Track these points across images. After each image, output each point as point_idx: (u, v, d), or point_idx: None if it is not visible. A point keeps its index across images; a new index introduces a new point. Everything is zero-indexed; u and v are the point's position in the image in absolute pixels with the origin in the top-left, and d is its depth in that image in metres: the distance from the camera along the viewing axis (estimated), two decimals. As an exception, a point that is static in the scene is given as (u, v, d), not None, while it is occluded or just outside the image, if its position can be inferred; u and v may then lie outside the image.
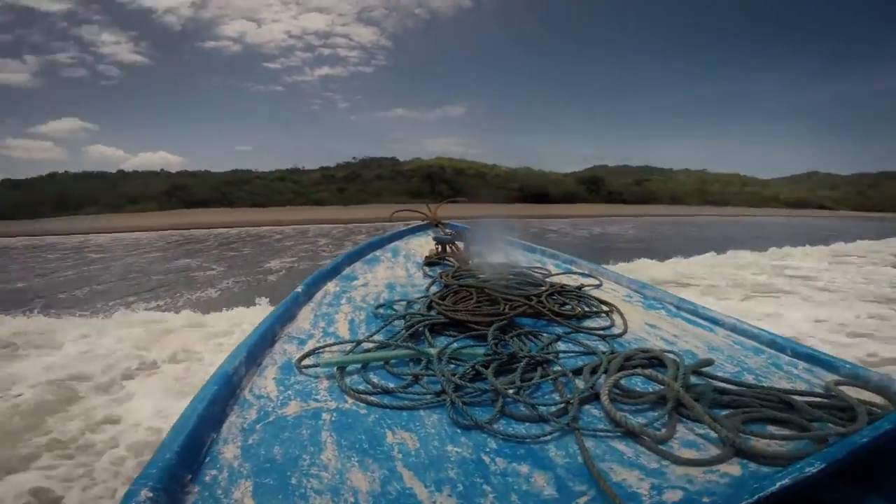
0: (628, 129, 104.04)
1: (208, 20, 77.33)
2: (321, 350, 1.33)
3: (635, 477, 0.81)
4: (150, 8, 76.14)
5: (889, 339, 4.47)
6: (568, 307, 1.72)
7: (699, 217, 39.60)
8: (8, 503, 2.15)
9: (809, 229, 24.54)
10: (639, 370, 1.12)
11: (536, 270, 2.32)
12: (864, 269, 9.33)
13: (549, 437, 0.93)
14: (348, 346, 1.35)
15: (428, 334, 1.44)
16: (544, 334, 1.46)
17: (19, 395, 3.05)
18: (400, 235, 3.26)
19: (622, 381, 1.10)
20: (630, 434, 0.92)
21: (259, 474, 0.81)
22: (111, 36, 73.75)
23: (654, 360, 1.22)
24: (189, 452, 0.82)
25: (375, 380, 1.16)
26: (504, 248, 3.13)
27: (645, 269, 8.63)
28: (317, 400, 1.07)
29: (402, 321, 1.53)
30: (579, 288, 1.98)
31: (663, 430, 0.93)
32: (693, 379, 1.13)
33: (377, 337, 1.42)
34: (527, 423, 0.99)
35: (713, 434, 0.91)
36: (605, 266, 2.42)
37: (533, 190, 53.75)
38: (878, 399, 1.07)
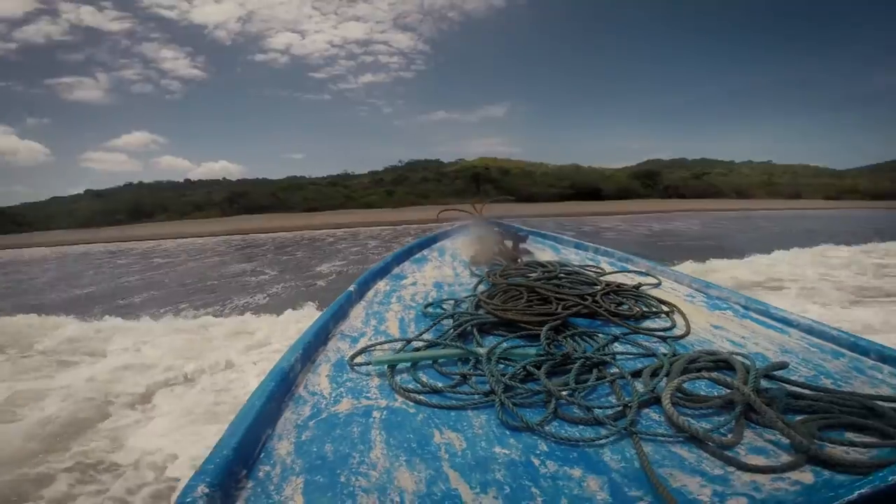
0: (682, 121, 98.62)
1: (255, 34, 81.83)
2: (372, 348, 1.34)
3: (696, 483, 0.77)
4: (201, 24, 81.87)
5: None
6: (625, 307, 1.66)
7: (769, 211, 36.52)
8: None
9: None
10: (704, 373, 1.07)
11: (589, 269, 2.24)
12: None
13: (604, 441, 0.90)
14: (398, 345, 1.36)
15: (476, 334, 1.43)
16: (600, 335, 1.42)
17: (47, 411, 2.97)
18: (446, 235, 3.26)
19: (685, 385, 1.05)
20: (693, 439, 0.88)
21: (310, 471, 0.81)
22: (170, 52, 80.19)
23: (720, 363, 1.17)
24: (245, 448, 0.83)
25: (424, 379, 1.15)
26: (554, 246, 3.09)
27: (722, 269, 7.72)
28: (368, 398, 1.07)
29: (451, 320, 1.53)
30: (637, 287, 1.90)
31: (729, 436, 0.88)
32: (764, 383, 1.07)
33: (426, 336, 1.42)
34: (580, 426, 0.95)
35: (784, 440, 0.86)
36: (670, 266, 2.28)
37: (584, 187, 52.13)
38: None
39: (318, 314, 1.54)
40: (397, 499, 0.74)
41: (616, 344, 1.39)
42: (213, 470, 0.74)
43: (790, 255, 9.45)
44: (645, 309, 1.65)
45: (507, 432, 0.93)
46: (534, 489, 0.76)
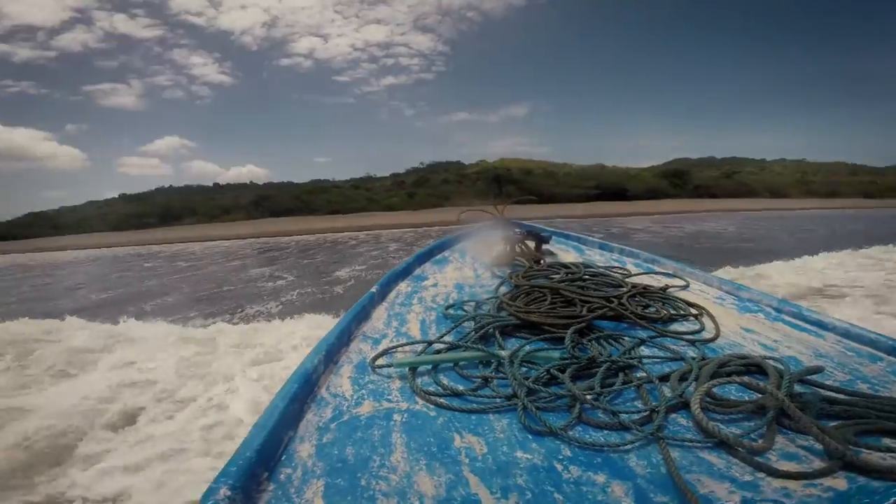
0: (710, 118, 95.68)
1: (280, 39, 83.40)
2: (394, 350, 1.34)
3: (725, 489, 0.75)
4: (228, 30, 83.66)
5: None
6: (652, 309, 1.62)
7: (805, 211, 34.73)
8: None
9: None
10: (735, 378, 1.02)
11: (615, 270, 2.20)
12: None
13: (629, 446, 0.87)
14: (419, 347, 1.36)
15: (498, 336, 1.41)
16: (626, 338, 1.39)
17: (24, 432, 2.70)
18: (468, 236, 3.22)
19: (715, 389, 1.02)
20: (722, 445, 0.86)
21: (331, 474, 0.81)
22: (199, 58, 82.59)
23: (751, 368, 1.13)
24: (267, 450, 0.83)
25: (445, 381, 1.14)
26: (578, 247, 3.00)
27: (770, 275, 7.01)
28: (389, 400, 1.07)
29: (472, 322, 1.51)
30: (664, 289, 1.86)
31: (760, 442, 0.86)
32: (797, 387, 1.03)
33: (447, 338, 1.41)
34: (605, 431, 0.93)
35: (817, 446, 0.84)
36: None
37: (609, 187, 51.01)
38: None
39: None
40: (417, 503, 0.73)
41: (643, 347, 1.35)
42: (235, 472, 0.75)
43: (841, 258, 8.66)
44: (672, 311, 1.61)
45: (530, 436, 0.92)
46: (556, 494, 0.75)
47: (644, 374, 1.14)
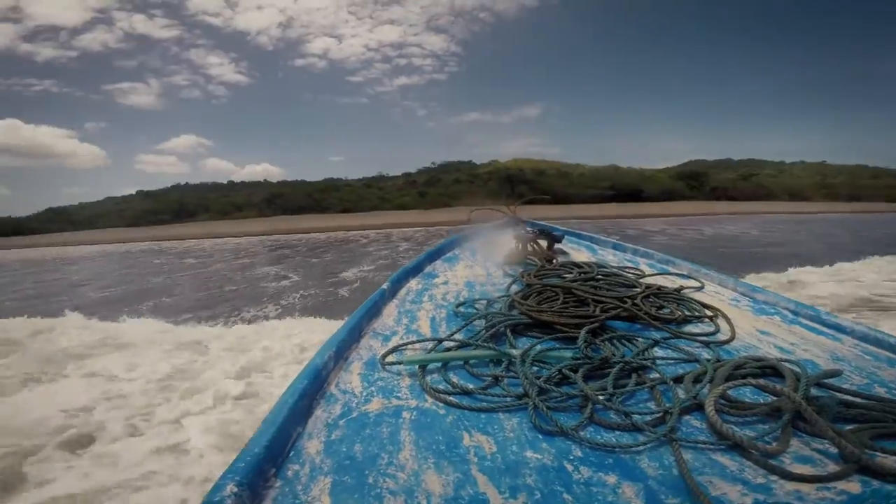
0: (726, 120, 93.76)
1: (295, 39, 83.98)
2: (404, 347, 1.34)
3: (738, 492, 0.74)
4: (244, 30, 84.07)
5: None
6: (666, 310, 1.59)
7: (827, 214, 33.65)
8: None
9: None
10: (750, 380, 1.01)
11: (628, 270, 2.18)
12: None
13: (641, 448, 0.86)
14: (430, 345, 1.36)
15: (510, 335, 1.40)
16: (639, 339, 1.37)
17: None
18: (479, 234, 3.18)
19: (730, 392, 1.00)
20: (735, 447, 0.84)
21: (338, 471, 0.80)
22: (216, 58, 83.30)
23: (767, 370, 1.11)
24: (275, 447, 0.83)
25: (455, 379, 1.14)
26: (591, 247, 2.97)
27: (809, 282, 6.54)
28: (398, 398, 1.06)
29: (483, 321, 1.51)
30: (678, 290, 1.83)
31: (774, 444, 0.85)
32: (813, 391, 1.01)
33: (458, 336, 1.41)
34: (617, 432, 0.92)
35: (832, 449, 0.83)
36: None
37: (624, 188, 50.21)
38: None
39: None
40: (424, 502, 0.73)
41: (656, 349, 1.34)
42: (242, 468, 0.74)
43: (880, 265, 8.12)
44: (687, 313, 1.59)
45: (540, 436, 0.90)
46: (566, 495, 0.74)
47: (658, 376, 1.12)
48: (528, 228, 2.87)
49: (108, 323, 6.07)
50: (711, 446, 0.86)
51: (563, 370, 1.12)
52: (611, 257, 2.66)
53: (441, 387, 1.10)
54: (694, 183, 53.93)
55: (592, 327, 1.37)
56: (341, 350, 1.26)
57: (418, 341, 1.38)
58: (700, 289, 1.95)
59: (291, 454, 0.85)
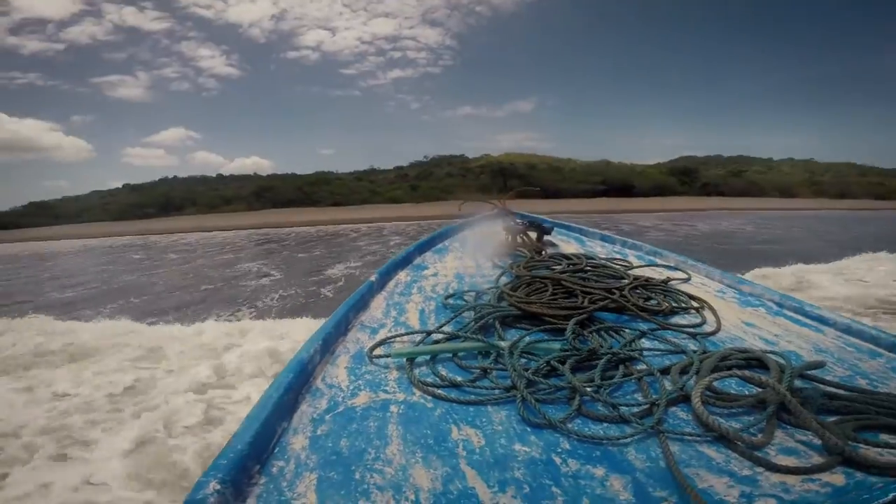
0: (716, 116, 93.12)
1: (288, 32, 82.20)
2: (392, 340, 1.33)
3: (724, 483, 0.75)
4: (236, 22, 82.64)
5: None
6: (653, 302, 1.61)
7: (820, 211, 33.88)
8: None
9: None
10: (736, 371, 1.03)
11: (616, 262, 2.19)
12: None
13: (629, 440, 0.87)
14: (418, 337, 1.35)
15: (498, 327, 1.39)
16: (627, 330, 1.38)
17: None
18: (469, 225, 3.18)
19: (715, 383, 1.02)
20: (721, 439, 0.86)
21: (324, 467, 0.79)
22: (207, 51, 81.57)
23: (752, 362, 1.13)
24: (259, 442, 0.81)
25: (444, 372, 1.13)
26: (580, 238, 2.99)
27: (818, 284, 6.25)
28: (386, 391, 1.05)
29: (472, 312, 1.50)
30: (665, 281, 1.85)
31: (759, 436, 0.86)
32: (797, 382, 1.03)
33: (447, 328, 1.40)
34: (605, 424, 0.92)
35: (816, 441, 0.84)
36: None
37: (616, 183, 50.19)
38: None
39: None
40: (412, 497, 0.72)
41: (644, 340, 1.34)
42: (225, 465, 0.72)
43: (884, 261, 7.92)
44: (674, 304, 1.60)
45: (528, 429, 0.90)
46: (554, 488, 0.73)
47: (645, 367, 1.13)
48: (518, 220, 2.83)
49: (71, 322, 5.70)
50: (698, 438, 0.86)
51: (552, 362, 1.11)
52: (599, 249, 2.65)
53: (429, 380, 1.09)
54: (685, 179, 54.12)
55: (580, 318, 1.38)
56: (328, 343, 1.24)
57: (406, 334, 1.36)
58: (687, 280, 1.97)
59: (276, 450, 0.83)
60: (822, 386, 1.02)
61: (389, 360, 1.19)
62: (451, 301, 1.68)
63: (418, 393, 1.03)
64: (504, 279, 1.89)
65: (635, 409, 0.94)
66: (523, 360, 1.14)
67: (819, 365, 1.11)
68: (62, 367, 3.89)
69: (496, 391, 1.03)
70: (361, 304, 1.60)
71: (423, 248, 2.58)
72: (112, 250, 21.64)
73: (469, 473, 0.76)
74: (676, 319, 1.51)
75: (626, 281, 1.72)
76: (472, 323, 1.39)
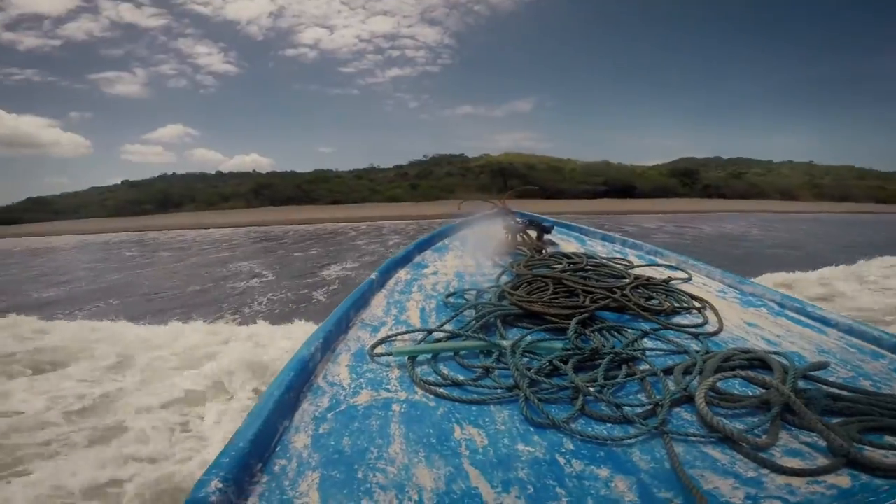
0: (715, 118, 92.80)
1: (286, 29, 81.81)
2: (393, 338, 1.32)
3: (729, 485, 0.75)
4: (234, 20, 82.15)
5: None
6: (655, 302, 1.61)
7: (822, 214, 33.53)
8: None
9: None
10: (739, 372, 1.02)
11: (617, 261, 2.19)
12: None
13: (633, 440, 0.86)
14: (419, 336, 1.34)
15: (500, 325, 1.39)
16: (629, 330, 1.38)
17: None
18: (469, 224, 3.17)
19: (719, 384, 1.01)
20: (726, 440, 0.85)
21: (327, 466, 0.78)
22: (204, 48, 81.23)
23: (755, 362, 1.13)
24: (261, 441, 0.80)
25: (445, 371, 1.12)
26: (580, 238, 2.99)
27: (847, 292, 5.89)
28: (387, 390, 1.05)
29: (473, 311, 1.49)
30: (667, 281, 1.85)
31: (764, 437, 0.85)
32: (801, 383, 1.01)
33: (448, 326, 1.39)
34: (608, 424, 0.92)
35: (821, 443, 0.84)
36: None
37: (616, 184, 49.94)
38: None
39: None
40: (415, 496, 0.71)
41: (646, 340, 1.33)
42: (227, 464, 0.71)
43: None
44: (676, 304, 1.60)
45: (531, 429, 0.90)
46: (558, 489, 0.73)
47: (647, 367, 1.13)
48: (518, 219, 2.82)
49: (45, 323, 5.38)
50: (702, 439, 0.86)
51: (554, 361, 1.11)
52: (599, 248, 2.65)
53: (431, 378, 1.08)
54: (686, 180, 53.93)
55: (582, 318, 1.37)
56: (329, 341, 1.24)
57: (407, 332, 1.35)
58: (688, 280, 1.97)
59: (278, 448, 0.82)
60: (825, 387, 1.02)
61: (391, 358, 1.19)
62: (451, 300, 1.67)
63: (420, 392, 1.03)
64: (505, 278, 1.89)
65: (639, 410, 0.94)
66: (525, 360, 1.14)
67: (823, 366, 1.11)
68: (18, 377, 3.53)
69: (499, 390, 1.03)
70: (362, 302, 1.59)
71: (423, 247, 2.56)
72: (108, 246, 21.32)
73: (472, 473, 0.76)
74: (678, 319, 1.51)
75: (628, 280, 1.72)
76: (474, 322, 1.38)
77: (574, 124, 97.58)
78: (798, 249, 12.78)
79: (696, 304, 1.61)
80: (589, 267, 1.93)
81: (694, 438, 0.85)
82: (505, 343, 1.18)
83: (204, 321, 5.35)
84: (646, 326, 1.41)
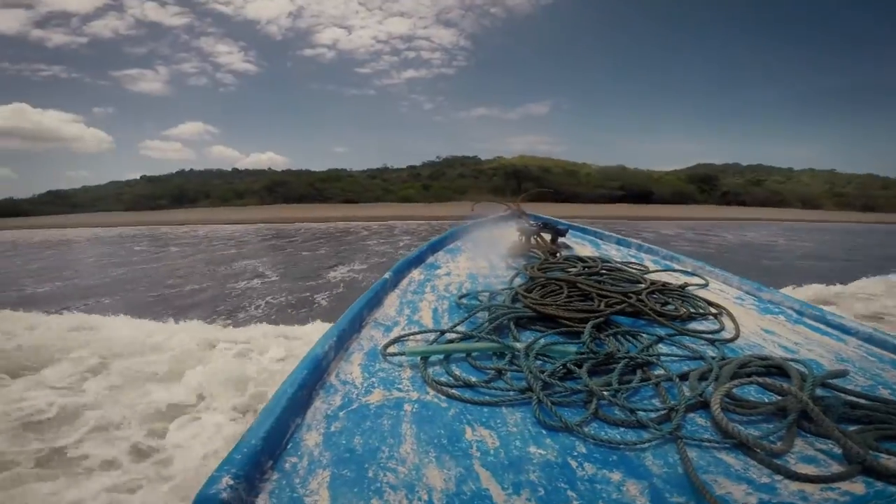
0: (734, 124, 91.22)
1: (305, 29, 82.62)
2: (405, 338, 1.32)
3: (742, 491, 0.74)
4: (254, 19, 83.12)
5: None
6: (671, 307, 1.59)
7: (848, 224, 32.38)
8: None
9: None
10: (756, 378, 0.99)
11: (632, 266, 2.18)
12: None
13: (646, 445, 0.85)
14: (432, 336, 1.34)
15: (513, 328, 1.39)
16: (644, 335, 1.36)
17: None
18: (482, 226, 3.16)
19: (734, 390, 1.00)
20: (740, 446, 0.84)
21: (338, 464, 0.78)
22: (225, 46, 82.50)
23: (772, 369, 1.11)
24: (273, 438, 0.81)
25: (458, 372, 1.12)
26: (595, 242, 2.98)
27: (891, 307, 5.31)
28: (399, 389, 1.05)
29: (486, 313, 1.49)
30: (682, 287, 1.83)
31: (779, 444, 0.85)
32: (818, 391, 1.00)
33: (460, 328, 1.39)
34: (622, 429, 0.91)
35: (836, 450, 0.83)
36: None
37: (633, 189, 49.05)
38: None
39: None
40: (425, 497, 0.71)
41: (661, 345, 1.33)
42: (239, 461, 0.72)
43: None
44: (692, 310, 1.58)
45: (544, 431, 0.89)
46: (570, 492, 0.72)
47: (662, 372, 1.12)
48: (532, 221, 2.83)
49: (33, 315, 5.15)
50: (716, 445, 0.85)
51: (568, 364, 1.10)
52: (614, 252, 2.64)
53: (443, 379, 1.08)
54: (705, 186, 52.81)
55: (597, 322, 1.37)
56: (342, 340, 1.24)
57: (420, 332, 1.35)
58: (704, 286, 1.94)
59: (289, 446, 0.82)
60: (843, 395, 1.00)
61: (403, 358, 1.19)
62: (464, 301, 1.67)
63: (432, 392, 1.03)
64: (518, 280, 1.88)
65: (653, 415, 0.93)
66: (538, 362, 1.13)
67: (842, 374, 1.10)
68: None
69: (511, 392, 1.02)
70: (375, 301, 1.59)
71: (435, 248, 2.58)
72: (119, 240, 21.44)
73: (483, 475, 0.76)
74: (694, 325, 1.50)
75: (643, 285, 1.71)
76: (487, 323, 1.38)
77: (589, 128, 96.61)
78: (831, 261, 12.07)
79: (713, 311, 1.59)
80: (604, 271, 1.92)
81: (708, 444, 0.85)
82: (518, 345, 1.18)
83: (194, 324, 5.01)
84: (661, 332, 1.41)
